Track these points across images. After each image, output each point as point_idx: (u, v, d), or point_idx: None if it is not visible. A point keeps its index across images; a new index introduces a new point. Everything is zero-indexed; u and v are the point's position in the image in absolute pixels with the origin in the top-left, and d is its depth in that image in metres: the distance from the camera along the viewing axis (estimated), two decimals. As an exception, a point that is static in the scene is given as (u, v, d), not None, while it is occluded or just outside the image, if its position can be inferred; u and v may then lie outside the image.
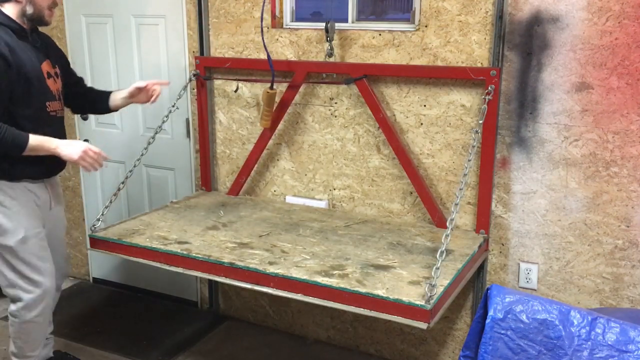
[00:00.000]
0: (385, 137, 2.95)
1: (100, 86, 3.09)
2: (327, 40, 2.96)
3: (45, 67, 2.59)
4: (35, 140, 2.44)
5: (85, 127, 3.89)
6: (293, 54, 3.14)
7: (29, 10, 2.50)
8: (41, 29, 2.69)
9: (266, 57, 3.02)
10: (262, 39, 3.06)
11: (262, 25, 3.07)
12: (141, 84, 2.85)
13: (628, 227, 2.62)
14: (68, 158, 2.51)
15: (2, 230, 2.53)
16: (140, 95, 2.87)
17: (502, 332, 1.86)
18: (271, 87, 3.04)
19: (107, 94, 2.91)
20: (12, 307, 2.64)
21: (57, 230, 2.84)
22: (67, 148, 2.50)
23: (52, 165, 2.64)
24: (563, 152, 2.67)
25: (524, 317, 1.85)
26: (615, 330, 1.79)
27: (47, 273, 2.65)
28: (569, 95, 2.62)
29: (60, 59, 2.79)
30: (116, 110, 2.97)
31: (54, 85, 2.63)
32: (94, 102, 2.92)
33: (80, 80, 2.95)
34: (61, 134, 2.67)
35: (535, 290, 2.83)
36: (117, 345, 3.35)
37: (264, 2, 3.06)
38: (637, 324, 1.83)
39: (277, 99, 3.15)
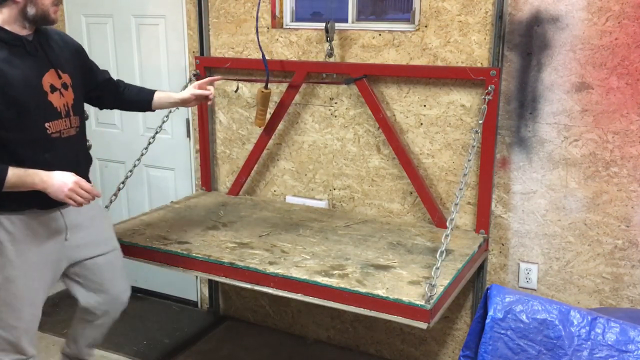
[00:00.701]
0: (385, 137, 2.95)
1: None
2: (327, 40, 2.97)
3: (48, 79, 2.20)
4: (15, 175, 2.06)
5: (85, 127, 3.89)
6: (293, 54, 3.14)
7: (31, 11, 2.11)
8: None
9: (267, 58, 3.03)
10: (257, 38, 3.06)
11: (257, 25, 3.08)
12: (197, 91, 2.58)
13: (628, 227, 2.62)
14: (54, 197, 2.11)
15: None
16: (193, 102, 2.64)
17: (502, 332, 1.86)
18: (265, 87, 3.04)
19: (149, 95, 2.61)
20: None
21: (98, 251, 2.44)
22: (52, 185, 2.09)
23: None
24: (563, 152, 2.67)
25: (523, 317, 1.85)
26: (615, 330, 1.79)
27: (28, 319, 2.30)
28: (568, 95, 2.62)
29: (76, 61, 2.40)
30: (153, 111, 2.70)
31: (60, 100, 2.23)
32: (135, 102, 2.63)
33: (109, 79, 2.59)
34: (69, 157, 2.26)
35: (535, 290, 2.83)
36: (117, 345, 3.35)
37: (259, 2, 3.06)
38: (637, 324, 1.83)
39: (277, 99, 3.15)
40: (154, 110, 2.68)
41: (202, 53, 3.34)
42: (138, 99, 2.62)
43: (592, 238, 2.69)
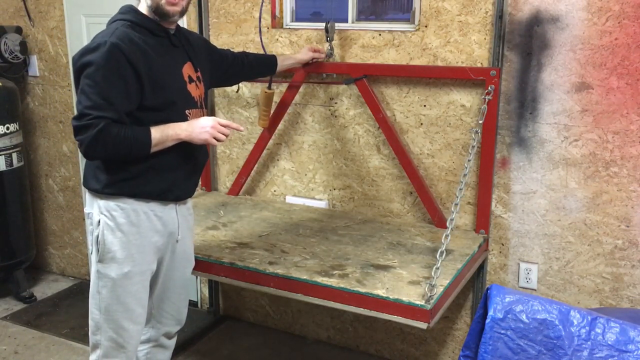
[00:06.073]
0: (385, 137, 2.95)
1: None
2: (327, 40, 2.97)
3: (187, 70, 2.27)
4: (157, 130, 2.10)
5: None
6: (293, 54, 3.14)
7: (148, 1, 2.15)
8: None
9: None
10: (260, 38, 3.06)
11: (260, 25, 3.08)
12: (314, 54, 2.94)
13: (628, 227, 2.62)
14: (198, 139, 2.19)
15: (110, 258, 2.16)
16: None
17: (502, 332, 1.86)
18: (269, 87, 3.04)
19: (272, 62, 2.87)
20: (91, 357, 2.28)
21: (181, 268, 2.41)
22: (194, 130, 2.16)
23: (184, 186, 2.32)
24: (563, 152, 2.67)
25: (523, 317, 1.85)
26: (615, 330, 1.79)
27: (139, 321, 2.27)
28: (568, 95, 2.62)
29: (207, 60, 2.47)
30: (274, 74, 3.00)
31: (196, 91, 2.30)
32: (259, 72, 2.88)
33: (232, 61, 2.69)
34: (199, 146, 2.30)
35: (535, 290, 2.83)
36: (117, 345, 3.35)
37: (262, 2, 3.07)
38: (637, 324, 1.83)
39: (277, 99, 3.15)
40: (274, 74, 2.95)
41: (202, 53, 3.34)
42: (263, 70, 2.87)
43: (592, 238, 2.69)
